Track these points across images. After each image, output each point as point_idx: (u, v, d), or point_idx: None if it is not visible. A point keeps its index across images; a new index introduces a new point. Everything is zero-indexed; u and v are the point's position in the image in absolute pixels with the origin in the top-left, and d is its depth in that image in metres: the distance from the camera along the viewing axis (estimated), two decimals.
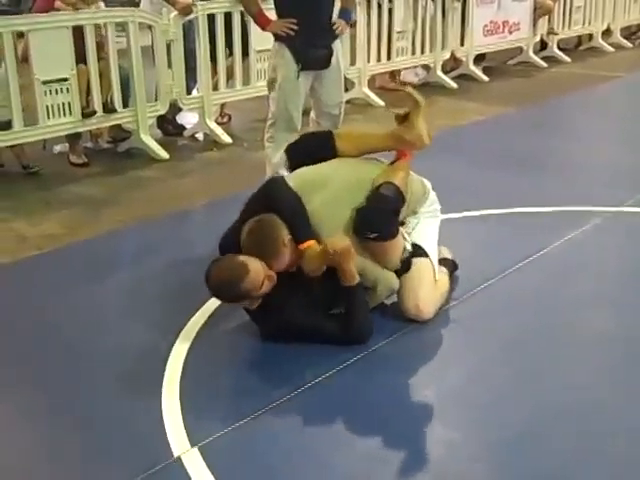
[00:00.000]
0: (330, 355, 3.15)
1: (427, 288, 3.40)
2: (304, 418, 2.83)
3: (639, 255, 4.11)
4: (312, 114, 5.12)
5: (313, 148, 3.62)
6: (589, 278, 3.84)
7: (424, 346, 3.31)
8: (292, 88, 4.77)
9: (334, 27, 4.79)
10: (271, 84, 4.87)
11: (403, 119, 3.51)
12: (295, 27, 4.63)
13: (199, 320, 3.48)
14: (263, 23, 4.81)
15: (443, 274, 3.58)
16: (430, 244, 3.53)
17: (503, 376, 3.05)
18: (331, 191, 3.31)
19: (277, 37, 4.74)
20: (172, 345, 3.27)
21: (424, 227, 3.57)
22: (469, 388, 2.98)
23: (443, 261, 3.70)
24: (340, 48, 4.98)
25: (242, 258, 3.12)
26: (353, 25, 7.41)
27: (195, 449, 2.62)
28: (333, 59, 4.84)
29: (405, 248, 3.42)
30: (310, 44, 4.67)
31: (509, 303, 3.57)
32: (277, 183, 3.50)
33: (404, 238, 3.45)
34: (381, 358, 3.17)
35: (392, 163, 3.49)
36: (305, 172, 3.49)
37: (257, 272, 3.08)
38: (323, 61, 4.77)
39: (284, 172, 5.03)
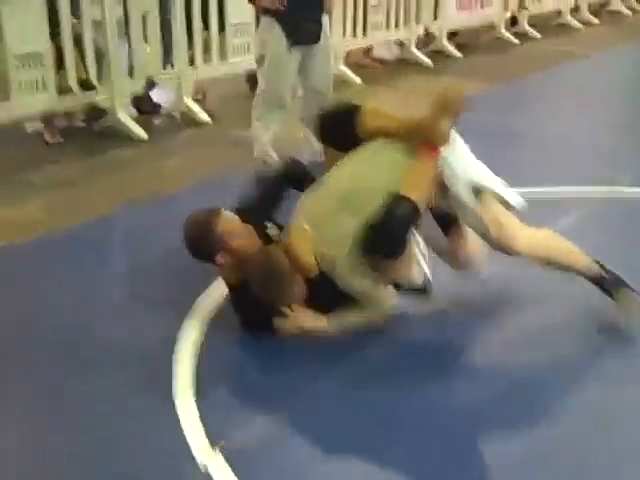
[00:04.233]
0: (351, 351, 3.07)
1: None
2: (331, 421, 2.71)
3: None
4: (299, 91, 5.00)
5: (340, 120, 3.28)
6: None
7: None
8: (282, 64, 4.65)
9: (323, 1, 4.67)
10: (260, 60, 4.73)
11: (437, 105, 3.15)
12: (284, 2, 4.49)
13: (207, 306, 3.34)
14: None
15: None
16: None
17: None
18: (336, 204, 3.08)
19: (266, 11, 4.59)
20: (178, 335, 3.12)
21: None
22: (482, 394, 2.90)
23: None
24: (327, 23, 4.87)
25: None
26: None
27: (219, 455, 2.48)
28: (322, 33, 4.72)
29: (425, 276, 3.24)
30: (301, 18, 4.56)
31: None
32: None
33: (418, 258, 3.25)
34: (406, 354, 3.09)
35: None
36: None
37: (232, 217, 3.17)
38: (314, 35, 4.67)
39: (272, 152, 4.92)
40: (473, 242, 3.25)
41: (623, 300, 3.15)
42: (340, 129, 3.24)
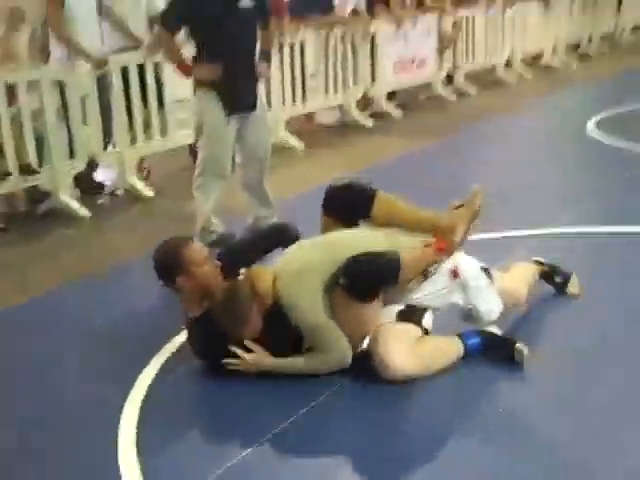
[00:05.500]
0: (296, 394, 3.09)
1: (399, 344, 3.10)
2: (277, 465, 2.71)
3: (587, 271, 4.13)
4: (238, 159, 5.05)
5: (351, 200, 3.37)
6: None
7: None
8: (220, 133, 4.70)
9: (257, 70, 4.76)
10: (198, 131, 4.78)
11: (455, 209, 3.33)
12: (219, 72, 4.57)
13: (151, 371, 3.37)
14: (186, 70, 4.73)
15: (441, 345, 3.25)
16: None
17: None
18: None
19: (201, 83, 4.66)
20: (125, 398, 3.14)
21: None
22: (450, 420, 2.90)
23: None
24: (262, 90, 4.95)
25: None
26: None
27: None
28: (258, 101, 4.80)
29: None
30: (236, 87, 4.62)
31: None
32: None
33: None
34: (351, 395, 3.11)
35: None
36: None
37: (200, 248, 3.36)
38: (250, 104, 4.73)
39: (214, 220, 4.94)
40: (395, 346, 3.09)
41: None
42: (351, 207, 3.34)
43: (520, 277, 3.67)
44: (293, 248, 3.35)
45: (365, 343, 3.23)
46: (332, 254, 3.10)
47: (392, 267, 3.03)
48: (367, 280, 3.02)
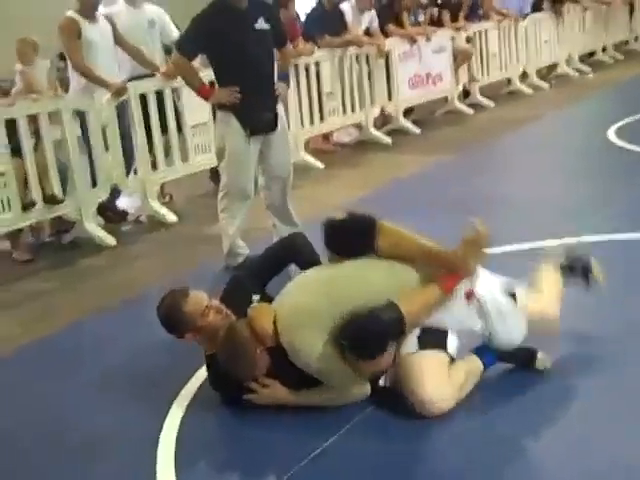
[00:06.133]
0: (325, 422, 3.04)
1: (434, 377, 2.98)
2: None
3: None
4: (261, 180, 5.05)
5: (352, 235, 3.18)
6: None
7: None
8: (242, 155, 4.71)
9: (276, 90, 4.78)
10: (220, 154, 4.79)
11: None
12: (239, 94, 4.59)
13: (181, 404, 3.33)
14: (206, 94, 4.76)
15: (461, 367, 3.12)
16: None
17: None
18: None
19: (221, 106, 4.69)
20: (159, 432, 3.10)
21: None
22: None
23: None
24: (282, 110, 4.96)
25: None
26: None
27: None
28: (278, 121, 4.81)
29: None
30: (256, 109, 4.63)
31: None
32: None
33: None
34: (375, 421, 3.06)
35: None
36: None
37: (200, 298, 3.22)
38: (270, 124, 4.74)
39: (240, 242, 4.94)
40: (431, 384, 2.98)
41: None
42: (353, 241, 3.18)
43: (551, 295, 3.43)
44: (293, 284, 3.24)
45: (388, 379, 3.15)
46: (329, 297, 3.02)
47: (394, 325, 2.91)
48: (370, 344, 2.90)
